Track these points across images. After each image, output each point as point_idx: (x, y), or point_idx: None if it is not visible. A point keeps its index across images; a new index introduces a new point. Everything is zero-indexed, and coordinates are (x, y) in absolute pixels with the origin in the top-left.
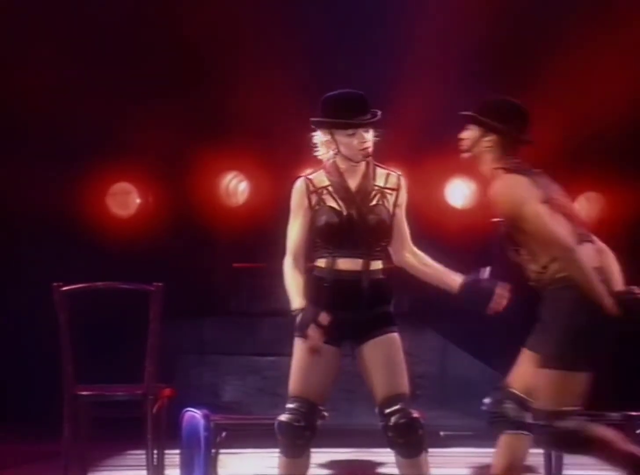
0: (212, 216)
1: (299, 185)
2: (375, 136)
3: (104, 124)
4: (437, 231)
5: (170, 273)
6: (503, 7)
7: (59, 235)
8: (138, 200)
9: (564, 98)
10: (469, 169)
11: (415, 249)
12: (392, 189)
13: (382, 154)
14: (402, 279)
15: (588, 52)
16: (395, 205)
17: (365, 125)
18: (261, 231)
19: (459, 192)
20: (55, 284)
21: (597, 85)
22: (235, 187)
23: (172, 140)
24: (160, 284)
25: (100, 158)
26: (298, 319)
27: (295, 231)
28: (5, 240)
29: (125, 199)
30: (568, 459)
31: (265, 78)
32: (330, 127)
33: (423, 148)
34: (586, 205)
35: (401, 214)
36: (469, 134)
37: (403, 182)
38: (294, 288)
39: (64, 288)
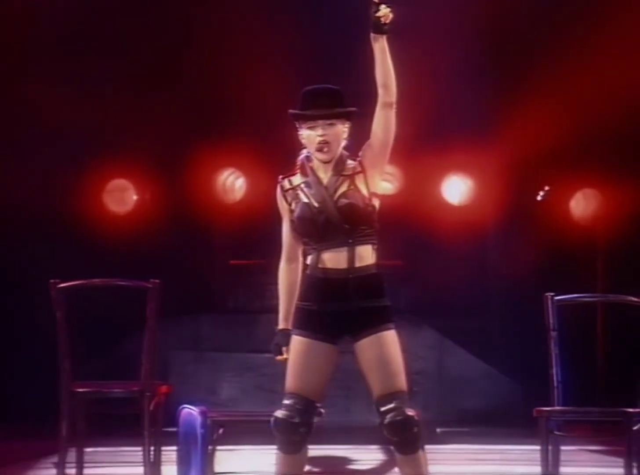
0: (209, 213)
1: (277, 189)
2: (344, 130)
3: (101, 122)
4: (433, 227)
5: (168, 270)
6: (505, 5)
7: (56, 232)
8: (135, 197)
9: (563, 97)
10: (465, 165)
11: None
12: (359, 172)
13: None
14: (400, 277)
15: (588, 51)
16: (367, 184)
17: (315, 118)
18: (258, 228)
19: (455, 189)
20: (52, 280)
21: (596, 85)
22: (232, 184)
23: (169, 138)
24: (157, 280)
25: (97, 155)
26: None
27: (284, 234)
28: (2, 237)
29: (122, 196)
30: (565, 455)
31: (263, 76)
32: (294, 120)
33: (420, 145)
34: (583, 201)
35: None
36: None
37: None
38: (281, 303)
39: (61, 285)
